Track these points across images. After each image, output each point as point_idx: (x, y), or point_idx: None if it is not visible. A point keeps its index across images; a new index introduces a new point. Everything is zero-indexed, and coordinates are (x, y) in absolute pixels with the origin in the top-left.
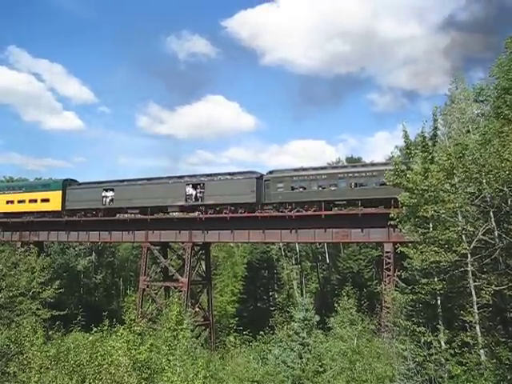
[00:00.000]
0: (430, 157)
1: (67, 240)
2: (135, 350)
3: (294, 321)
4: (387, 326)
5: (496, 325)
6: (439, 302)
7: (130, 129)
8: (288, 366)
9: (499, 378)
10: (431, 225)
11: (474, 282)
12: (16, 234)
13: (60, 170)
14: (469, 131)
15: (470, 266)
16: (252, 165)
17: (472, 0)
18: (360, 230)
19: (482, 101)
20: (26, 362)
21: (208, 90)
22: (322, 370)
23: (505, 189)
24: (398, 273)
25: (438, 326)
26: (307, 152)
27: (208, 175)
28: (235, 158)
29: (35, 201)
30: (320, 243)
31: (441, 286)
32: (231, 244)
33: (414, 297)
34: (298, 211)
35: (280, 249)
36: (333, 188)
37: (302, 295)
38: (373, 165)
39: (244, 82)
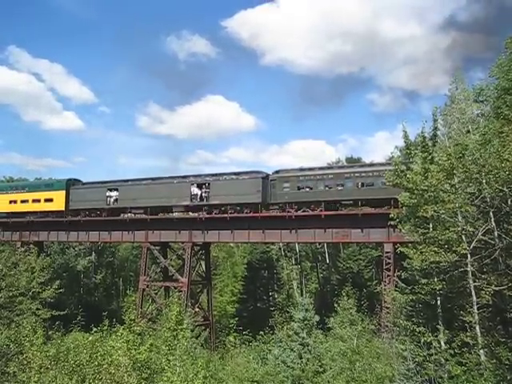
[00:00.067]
0: (429, 157)
1: (67, 240)
2: (135, 350)
3: (293, 321)
4: (387, 326)
5: (496, 325)
6: (439, 302)
7: (130, 129)
8: (288, 366)
9: (499, 378)
10: (431, 225)
11: (474, 282)
12: (16, 233)
13: (60, 170)
14: (469, 131)
15: (469, 266)
16: (252, 165)
17: (472, 0)
18: (360, 230)
19: (482, 101)
20: (25, 362)
21: (208, 90)
22: (321, 370)
23: (505, 189)
24: (398, 273)
25: (438, 326)
26: (307, 152)
27: (213, 175)
28: (235, 158)
29: (38, 201)
30: (320, 243)
31: (441, 287)
32: (231, 244)
33: (413, 297)
34: (304, 211)
35: (280, 249)
36: (339, 188)
37: (301, 295)
38: (380, 164)
39: (244, 82)
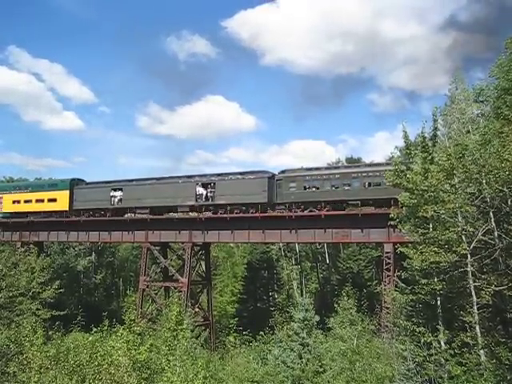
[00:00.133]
0: (429, 157)
1: (67, 240)
2: (135, 350)
3: (293, 321)
4: (387, 326)
5: (496, 325)
6: (439, 302)
7: (130, 129)
8: (288, 367)
9: (499, 378)
10: (431, 225)
11: (474, 282)
12: (16, 234)
13: (60, 170)
14: (469, 131)
15: (469, 266)
16: (252, 165)
17: (472, 0)
18: (360, 230)
19: (482, 101)
20: (25, 362)
21: (208, 90)
22: (321, 370)
23: (505, 189)
24: (398, 273)
25: (438, 326)
26: (307, 152)
27: (219, 175)
28: (235, 159)
29: (42, 201)
30: (320, 243)
31: (441, 287)
32: (231, 244)
33: (413, 297)
34: (310, 211)
35: (280, 249)
36: (346, 188)
37: (301, 295)
38: (387, 164)
39: (244, 82)
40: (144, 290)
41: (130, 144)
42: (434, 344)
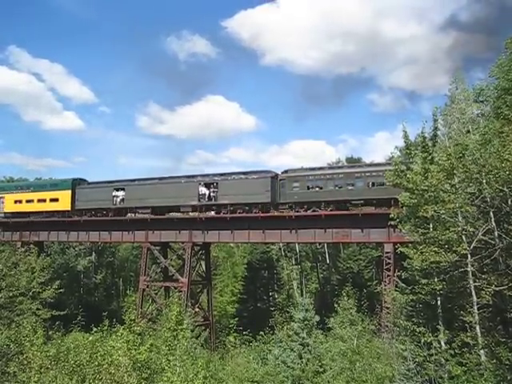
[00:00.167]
0: (430, 157)
1: (67, 240)
2: (135, 350)
3: (293, 321)
4: (387, 326)
5: (496, 325)
6: (439, 302)
7: (130, 129)
8: (288, 367)
9: (499, 378)
10: (431, 225)
11: (474, 282)
12: (16, 233)
13: (60, 170)
14: (469, 131)
15: (470, 266)
16: (252, 165)
17: (473, 0)
18: (360, 230)
19: (482, 101)
20: (26, 362)
21: (208, 90)
22: (321, 370)
23: (505, 189)
24: (398, 273)
25: (438, 326)
26: (307, 152)
27: (221, 174)
28: (235, 159)
29: (44, 200)
30: (320, 243)
31: (441, 287)
32: (231, 244)
33: (413, 297)
34: (314, 211)
35: (280, 249)
36: (350, 187)
37: (301, 295)
38: (390, 164)
39: (244, 82)
40: (144, 289)
41: (130, 144)
42: (434, 344)
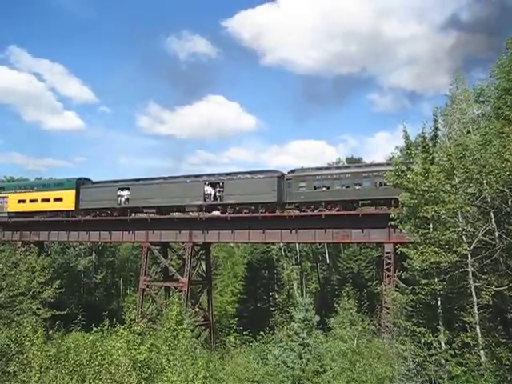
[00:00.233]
0: (430, 157)
1: (67, 240)
2: (135, 349)
3: (294, 321)
4: (387, 326)
5: (496, 325)
6: (439, 302)
7: (131, 129)
8: (288, 367)
9: (499, 378)
10: (431, 225)
11: (475, 282)
12: (16, 233)
13: (60, 170)
14: (469, 132)
15: (470, 266)
16: (252, 165)
17: (474, 0)
18: (360, 230)
19: (482, 101)
20: (26, 362)
21: (208, 90)
22: (321, 370)
23: (505, 189)
24: (399, 273)
25: (439, 326)
26: (307, 152)
27: (227, 174)
28: (235, 158)
29: (48, 200)
30: (320, 243)
31: (441, 287)
32: (231, 244)
33: (414, 297)
34: (320, 211)
35: (280, 249)
36: (357, 187)
37: (302, 295)
38: None
39: (245, 82)
40: (144, 289)
41: (131, 144)
42: (434, 344)
